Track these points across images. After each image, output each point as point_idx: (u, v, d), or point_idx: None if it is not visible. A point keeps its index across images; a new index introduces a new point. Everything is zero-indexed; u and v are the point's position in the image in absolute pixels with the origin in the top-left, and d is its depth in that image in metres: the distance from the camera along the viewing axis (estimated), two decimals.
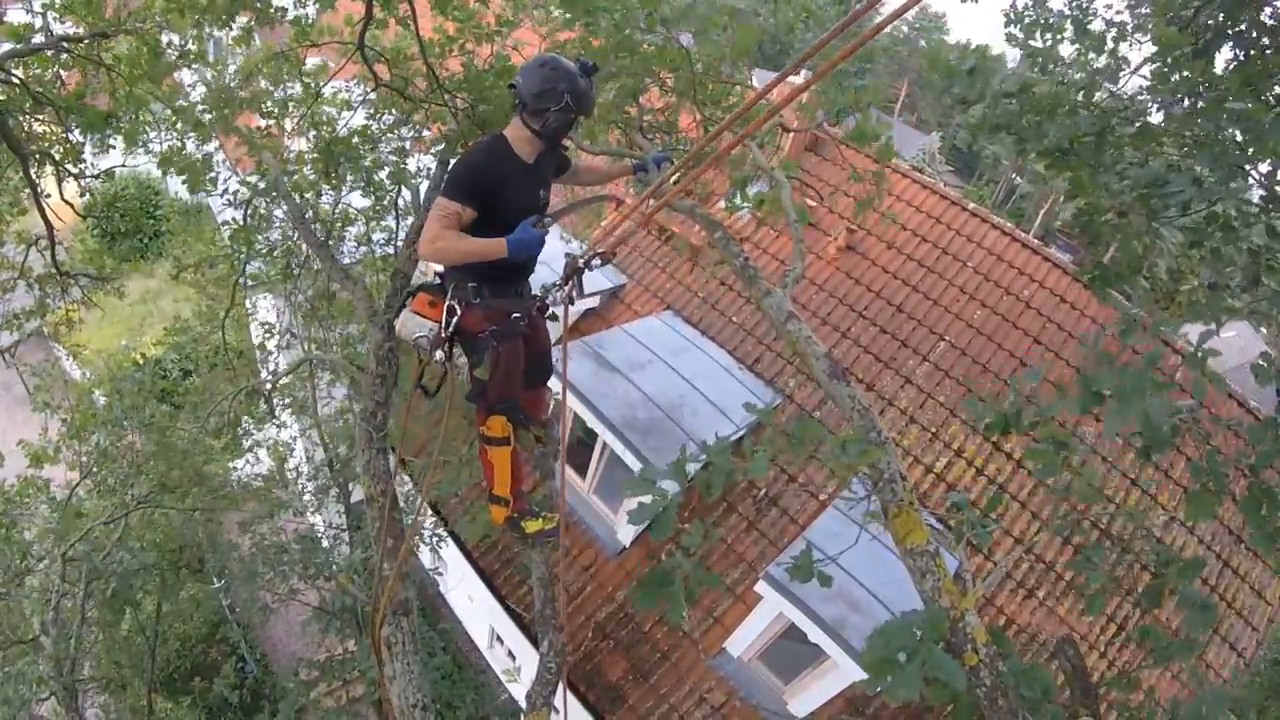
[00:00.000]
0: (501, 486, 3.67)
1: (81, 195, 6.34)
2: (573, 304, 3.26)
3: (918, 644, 2.04)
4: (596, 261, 3.20)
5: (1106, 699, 6.15)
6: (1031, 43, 3.68)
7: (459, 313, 3.18)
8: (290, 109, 5.90)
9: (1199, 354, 2.53)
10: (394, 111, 5.93)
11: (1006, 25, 3.88)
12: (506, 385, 3.42)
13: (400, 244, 6.16)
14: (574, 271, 3.13)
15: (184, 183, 5.43)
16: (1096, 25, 3.74)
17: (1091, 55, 3.72)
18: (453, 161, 3.24)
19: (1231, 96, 3.24)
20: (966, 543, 3.10)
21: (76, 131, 5.40)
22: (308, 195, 6.31)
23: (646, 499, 2.46)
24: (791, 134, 9.05)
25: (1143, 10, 3.72)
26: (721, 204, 9.78)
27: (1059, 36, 3.72)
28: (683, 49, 5.02)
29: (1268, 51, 3.06)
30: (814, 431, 2.86)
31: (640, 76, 5.21)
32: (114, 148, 5.58)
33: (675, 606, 2.73)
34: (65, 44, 4.92)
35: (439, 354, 3.18)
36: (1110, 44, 3.64)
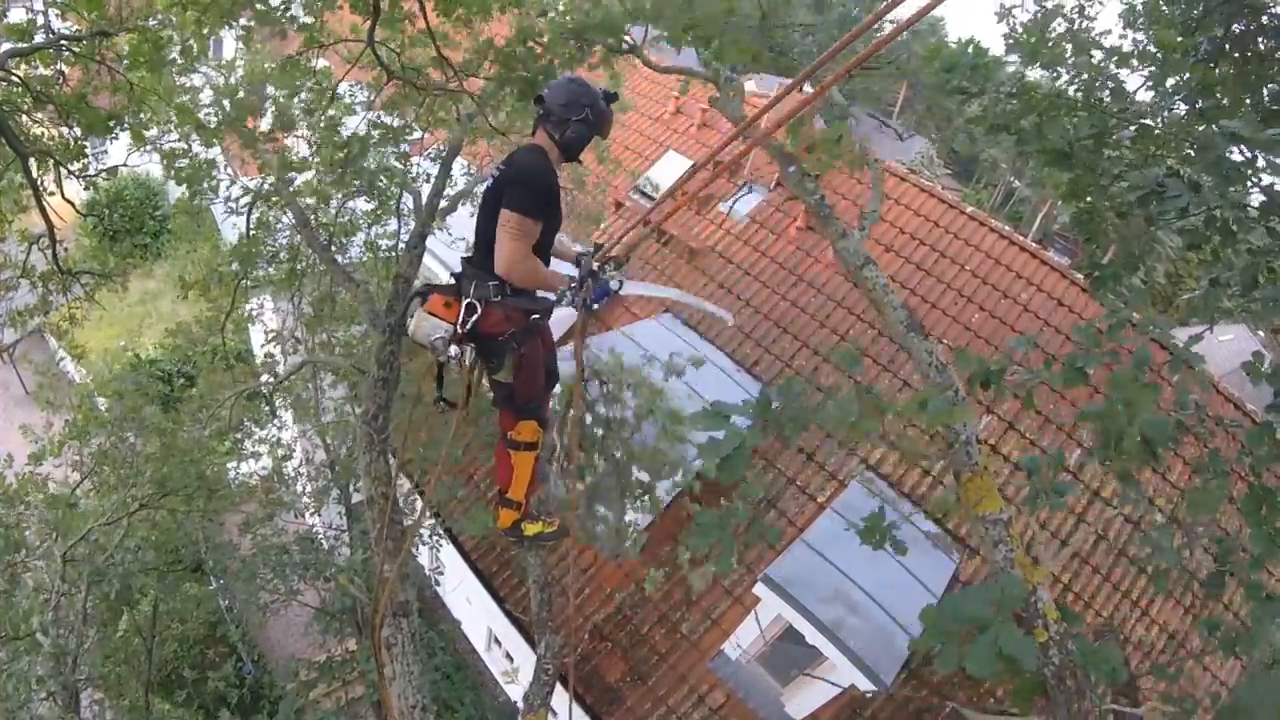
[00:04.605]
0: (518, 490, 3.62)
1: (86, 189, 6.31)
2: (588, 307, 3.22)
3: (993, 617, 1.80)
4: (611, 266, 3.19)
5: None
6: (1031, 73, 3.67)
7: (479, 311, 3.08)
8: (301, 114, 5.89)
9: (1184, 357, 2.49)
10: (398, 115, 5.92)
11: (1007, 50, 3.87)
12: (532, 386, 3.37)
13: (402, 248, 6.17)
14: (589, 274, 3.10)
15: (185, 188, 5.44)
16: (1096, 54, 3.71)
17: (1094, 79, 3.69)
18: (516, 170, 3.02)
19: (1227, 99, 3.26)
20: (1040, 510, 2.92)
21: (78, 130, 5.37)
22: (311, 201, 6.32)
23: (719, 434, 2.24)
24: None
25: (1140, 24, 3.70)
26: (722, 207, 9.81)
27: (1061, 64, 3.70)
28: None
29: (1264, 57, 3.08)
30: (801, 414, 2.68)
31: None
32: (116, 139, 5.54)
33: (726, 553, 2.53)
34: (66, 42, 4.90)
35: (453, 351, 3.10)
36: (1113, 69, 3.62)
